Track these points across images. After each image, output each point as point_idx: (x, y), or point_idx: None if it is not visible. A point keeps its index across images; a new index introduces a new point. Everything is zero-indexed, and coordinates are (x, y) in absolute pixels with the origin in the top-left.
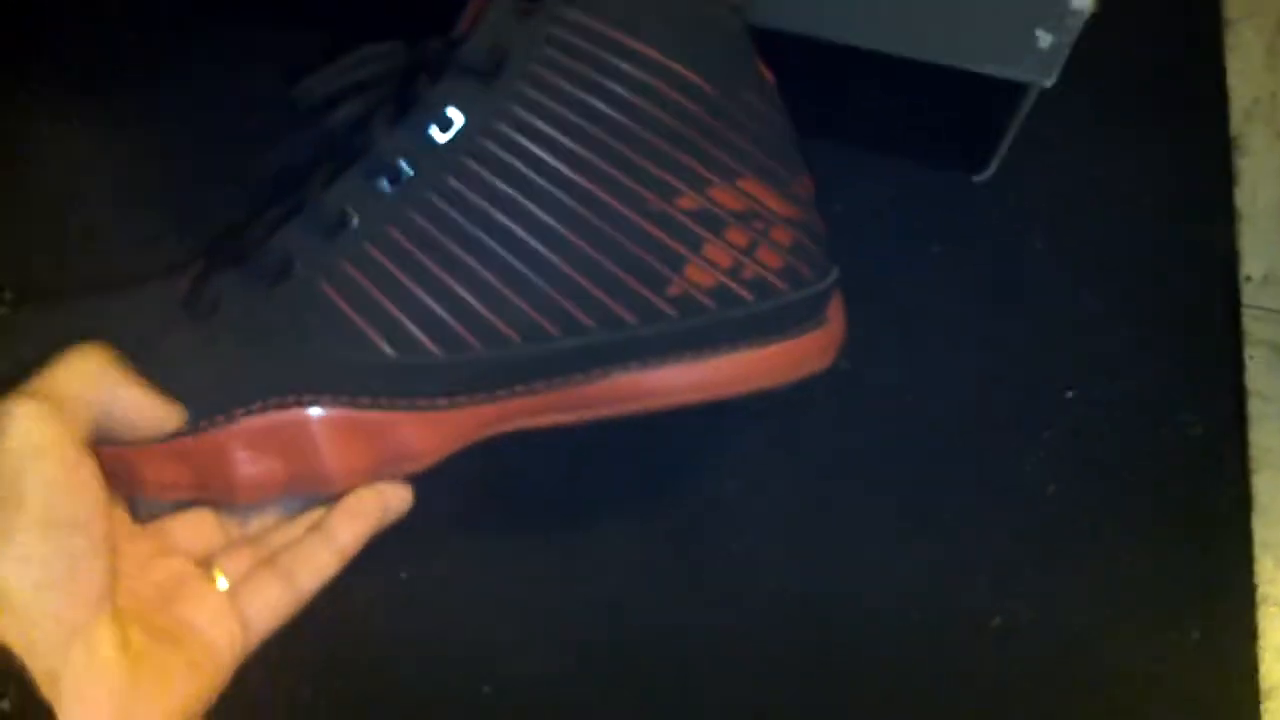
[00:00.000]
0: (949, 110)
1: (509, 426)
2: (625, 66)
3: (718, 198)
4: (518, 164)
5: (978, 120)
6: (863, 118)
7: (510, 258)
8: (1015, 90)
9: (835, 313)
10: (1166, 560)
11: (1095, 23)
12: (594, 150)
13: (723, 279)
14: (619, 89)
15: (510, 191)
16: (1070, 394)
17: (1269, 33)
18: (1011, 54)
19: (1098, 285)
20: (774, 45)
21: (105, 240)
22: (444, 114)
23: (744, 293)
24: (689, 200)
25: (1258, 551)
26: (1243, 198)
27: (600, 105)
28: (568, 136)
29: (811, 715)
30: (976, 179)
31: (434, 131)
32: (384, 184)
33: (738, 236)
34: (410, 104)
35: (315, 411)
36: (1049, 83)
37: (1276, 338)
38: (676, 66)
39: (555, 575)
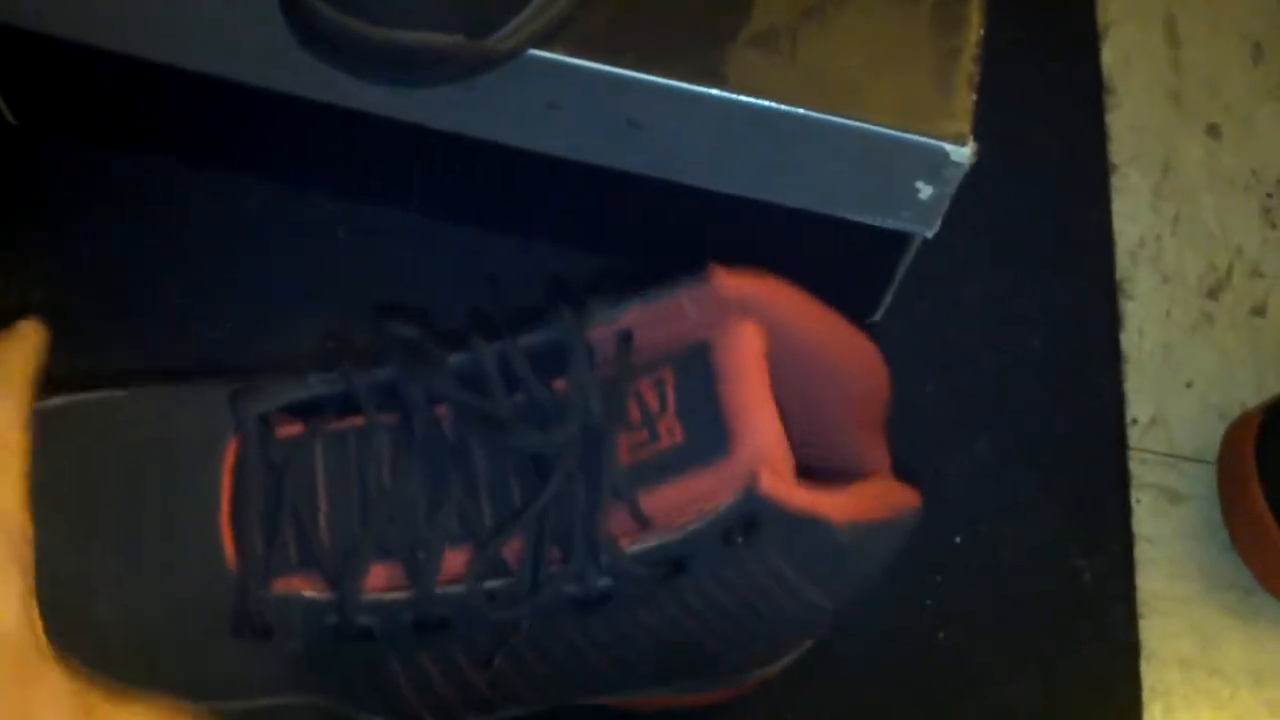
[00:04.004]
0: (836, 257)
1: None
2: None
3: None
4: None
5: (864, 267)
6: (752, 264)
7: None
8: (899, 238)
9: None
10: (1057, 708)
11: (981, 167)
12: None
13: None
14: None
15: None
16: (959, 539)
17: (1154, 175)
18: (892, 205)
19: (986, 428)
20: (666, 195)
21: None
22: None
23: None
24: None
25: (1146, 698)
26: (1128, 341)
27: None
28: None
29: None
30: (866, 322)
31: None
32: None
33: None
34: None
35: None
36: (930, 233)
37: (1163, 481)
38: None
39: None
